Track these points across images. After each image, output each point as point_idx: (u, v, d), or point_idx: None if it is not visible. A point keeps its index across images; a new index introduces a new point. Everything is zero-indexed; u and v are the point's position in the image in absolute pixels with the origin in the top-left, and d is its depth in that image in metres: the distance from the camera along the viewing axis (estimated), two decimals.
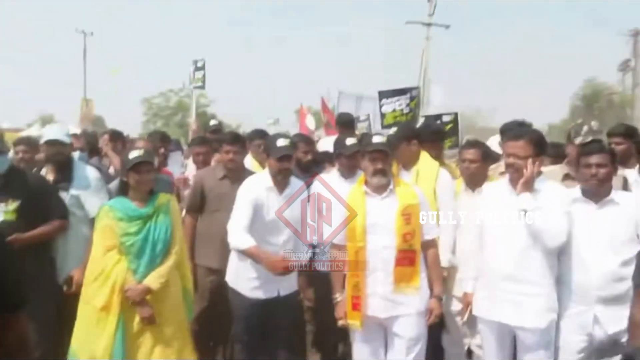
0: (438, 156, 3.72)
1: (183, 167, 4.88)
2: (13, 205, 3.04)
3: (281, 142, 3.13)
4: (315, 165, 3.97)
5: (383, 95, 5.48)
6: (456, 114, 5.44)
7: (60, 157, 3.45)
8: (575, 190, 2.89)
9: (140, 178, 2.90)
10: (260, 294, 3.12)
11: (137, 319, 2.87)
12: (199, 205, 3.61)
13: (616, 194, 2.81)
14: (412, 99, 5.36)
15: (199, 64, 8.27)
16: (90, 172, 3.52)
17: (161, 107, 36.30)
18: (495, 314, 2.83)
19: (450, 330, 3.42)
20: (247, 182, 3.24)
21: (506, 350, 2.91)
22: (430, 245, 2.97)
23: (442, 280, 3.04)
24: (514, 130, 2.91)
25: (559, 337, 2.82)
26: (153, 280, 2.89)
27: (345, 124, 5.24)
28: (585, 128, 3.34)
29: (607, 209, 2.76)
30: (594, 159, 2.77)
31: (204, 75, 8.32)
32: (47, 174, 3.48)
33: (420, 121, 5.43)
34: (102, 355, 2.78)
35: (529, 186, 2.71)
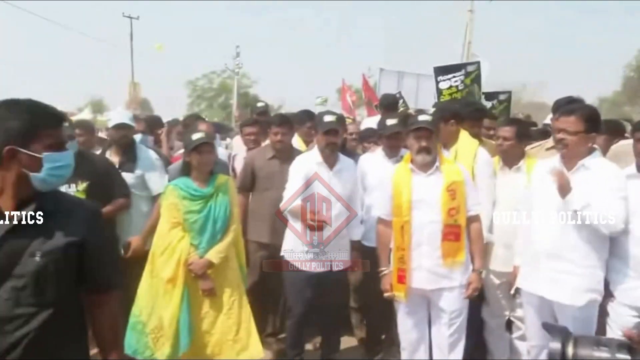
0: (477, 134, 3.75)
1: (228, 149, 5.01)
2: (82, 185, 3.30)
3: (328, 118, 3.32)
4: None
5: (439, 71, 5.39)
6: (510, 93, 5.40)
7: (125, 139, 3.75)
8: (631, 167, 2.85)
9: (202, 158, 3.10)
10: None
11: (200, 291, 3.12)
12: (250, 184, 3.82)
13: None
14: (467, 75, 5.29)
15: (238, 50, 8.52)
16: (152, 154, 3.83)
17: (205, 89, 37.05)
18: (536, 288, 2.90)
19: (490, 302, 3.52)
20: (298, 159, 3.41)
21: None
22: (473, 220, 3.05)
23: (483, 254, 3.12)
24: (566, 106, 2.87)
25: (612, 313, 2.83)
26: (214, 255, 3.12)
27: (389, 106, 5.29)
28: None
29: None
30: None
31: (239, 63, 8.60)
32: (112, 155, 3.77)
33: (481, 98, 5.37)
34: (169, 324, 3.04)
35: (565, 191, 2.68)
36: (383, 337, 3.98)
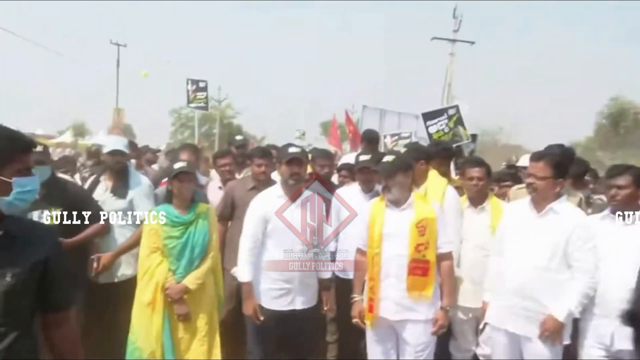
0: (445, 173, 3.92)
1: (206, 177, 5.03)
2: (55, 212, 3.22)
3: (292, 149, 3.32)
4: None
5: (426, 117, 5.77)
6: (476, 136, 5.64)
7: (120, 165, 3.77)
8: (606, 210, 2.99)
9: (182, 187, 3.22)
10: (275, 306, 3.25)
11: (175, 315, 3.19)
12: (229, 213, 3.90)
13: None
14: (449, 118, 5.62)
15: (201, 85, 8.41)
16: (143, 179, 3.88)
17: (189, 117, 37.11)
18: (505, 323, 2.99)
19: (457, 337, 3.61)
20: (258, 197, 3.39)
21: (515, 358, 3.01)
22: (445, 257, 3.10)
23: (452, 292, 3.17)
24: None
25: (582, 351, 2.94)
26: (191, 280, 3.20)
27: (370, 140, 5.43)
28: None
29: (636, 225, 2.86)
30: (616, 180, 2.90)
31: (206, 97, 8.52)
32: (106, 180, 3.79)
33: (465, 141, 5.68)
34: (155, 348, 3.13)
35: (558, 338, 2.87)
36: None
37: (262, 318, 3.18)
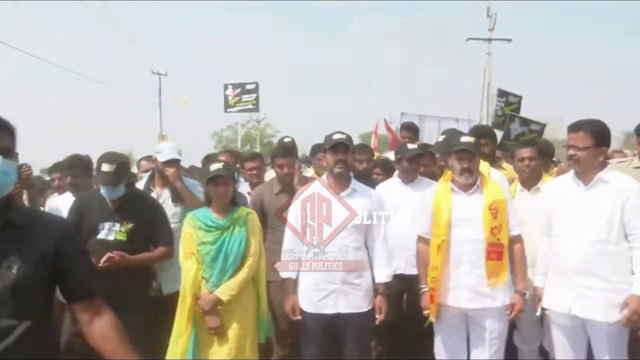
0: (489, 155, 3.75)
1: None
2: (126, 227, 3.17)
3: (337, 135, 3.08)
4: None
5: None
6: (544, 125, 5.45)
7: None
8: None
9: (217, 190, 3.04)
10: (319, 309, 3.03)
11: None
12: (261, 222, 3.44)
13: None
14: (507, 104, 5.50)
15: (249, 87, 8.08)
16: (196, 184, 3.64)
17: (230, 139, 38.02)
18: (565, 306, 2.83)
19: (521, 328, 3.41)
20: (301, 190, 3.21)
21: (578, 345, 2.88)
22: (516, 240, 3.00)
23: (526, 276, 3.04)
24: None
25: None
26: (223, 291, 2.98)
27: (409, 128, 5.33)
28: None
29: None
30: None
31: (257, 99, 7.93)
32: (157, 189, 3.64)
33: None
34: (181, 355, 2.97)
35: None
36: None
37: (299, 317, 3.02)
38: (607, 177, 2.78)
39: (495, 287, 2.90)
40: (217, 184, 3.04)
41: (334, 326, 3.04)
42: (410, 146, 3.65)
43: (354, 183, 3.14)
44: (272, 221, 3.56)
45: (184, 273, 3.05)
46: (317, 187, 3.13)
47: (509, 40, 23.90)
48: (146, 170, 4.87)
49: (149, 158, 4.37)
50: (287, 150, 3.85)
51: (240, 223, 3.08)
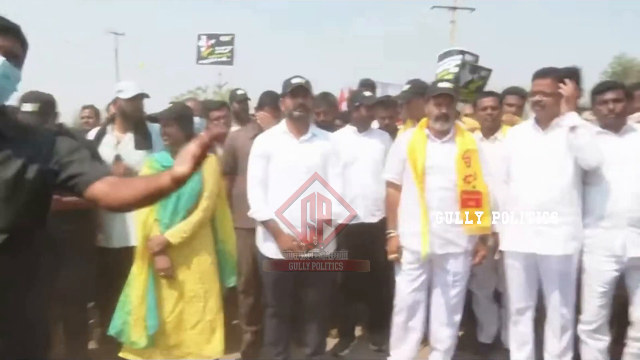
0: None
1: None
2: None
3: (296, 80, 3.01)
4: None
5: (440, 57, 5.50)
6: (490, 71, 5.29)
7: (139, 113, 3.36)
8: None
9: (164, 130, 3.00)
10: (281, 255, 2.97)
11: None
12: (233, 166, 3.51)
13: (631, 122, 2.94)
14: (464, 64, 5.33)
15: (224, 39, 7.09)
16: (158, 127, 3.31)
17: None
18: (523, 245, 2.95)
19: (477, 274, 3.46)
20: (260, 135, 3.15)
21: (531, 285, 3.02)
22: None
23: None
24: (541, 69, 2.97)
25: (589, 269, 2.93)
26: (174, 233, 2.90)
27: (367, 85, 5.23)
28: None
29: (628, 136, 2.89)
30: (610, 94, 2.88)
31: (231, 52, 7.11)
32: (115, 131, 3.36)
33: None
34: (139, 303, 2.90)
35: (571, 104, 2.82)
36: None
37: (303, 244, 2.91)
38: (563, 122, 2.88)
39: (478, 234, 2.98)
40: (164, 125, 2.99)
41: (297, 272, 3.02)
42: (367, 94, 3.58)
43: (313, 128, 3.10)
44: (243, 165, 3.42)
45: (142, 216, 2.96)
46: (280, 130, 3.07)
47: (472, 9, 24.18)
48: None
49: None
50: (276, 99, 3.58)
51: None
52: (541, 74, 2.91)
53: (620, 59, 29.53)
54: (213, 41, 7.12)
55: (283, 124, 3.09)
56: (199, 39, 7.17)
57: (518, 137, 3.08)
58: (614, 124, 2.90)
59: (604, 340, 2.97)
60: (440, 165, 2.97)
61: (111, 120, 3.48)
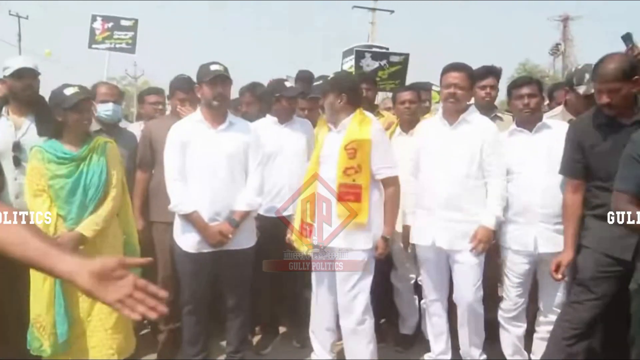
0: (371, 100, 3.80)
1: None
2: None
3: (214, 67, 2.89)
4: None
5: (345, 54, 5.45)
6: (407, 55, 5.09)
7: (31, 92, 3.00)
8: (512, 125, 3.08)
9: (80, 117, 2.71)
10: (204, 247, 2.90)
11: None
12: (150, 158, 3.33)
13: (547, 119, 3.02)
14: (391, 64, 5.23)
15: (125, 23, 6.28)
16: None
17: None
18: (429, 239, 3.00)
19: (397, 266, 3.56)
20: (175, 125, 2.98)
21: (443, 276, 3.10)
22: (389, 183, 2.93)
23: (394, 221, 3.00)
24: (453, 63, 3.04)
25: (508, 262, 3.03)
26: (86, 226, 2.68)
27: (305, 79, 5.22)
28: (587, 76, 3.04)
29: (541, 133, 2.97)
30: (525, 89, 2.95)
31: (133, 38, 6.31)
32: (12, 115, 3.02)
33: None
34: (47, 311, 2.65)
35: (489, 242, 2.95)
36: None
37: (230, 236, 2.85)
38: (469, 117, 2.97)
39: (351, 229, 2.85)
40: (81, 110, 2.71)
41: (214, 265, 2.96)
42: (288, 84, 3.51)
43: (231, 117, 3.02)
44: (161, 157, 3.22)
45: (33, 212, 2.64)
46: (195, 119, 2.96)
47: (392, 11, 24.90)
48: None
49: None
50: (191, 84, 3.42)
51: (98, 152, 2.78)
52: (455, 67, 2.97)
53: (525, 65, 31.86)
54: (111, 24, 6.11)
55: (198, 112, 2.97)
56: (94, 20, 6.23)
57: (426, 131, 3.14)
58: (528, 119, 2.98)
59: (522, 327, 3.10)
60: (328, 155, 2.93)
61: (4, 101, 3.07)
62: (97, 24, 6.13)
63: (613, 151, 2.49)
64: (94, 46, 6.29)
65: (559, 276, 2.71)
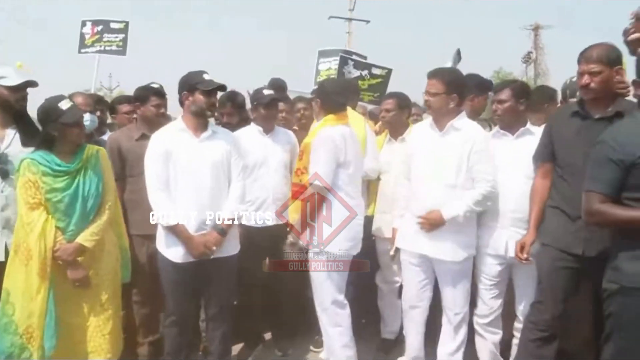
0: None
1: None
2: None
3: (208, 76, 2.87)
4: None
5: (320, 54, 5.44)
6: (390, 70, 5.15)
7: (24, 103, 2.93)
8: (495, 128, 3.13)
9: (80, 132, 2.73)
10: (189, 257, 2.84)
11: (68, 281, 2.69)
12: (120, 171, 3.25)
13: (530, 126, 3.03)
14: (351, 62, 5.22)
15: (115, 26, 6.21)
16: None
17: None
18: (417, 247, 3.01)
19: (382, 268, 3.59)
20: (157, 133, 2.94)
21: (425, 281, 3.08)
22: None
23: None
24: (431, 70, 3.02)
25: (479, 264, 3.06)
26: (86, 237, 2.71)
27: (278, 88, 5.22)
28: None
29: (523, 139, 2.99)
30: (496, 95, 3.02)
31: (124, 40, 6.29)
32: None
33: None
34: (39, 321, 2.63)
35: (440, 224, 2.92)
36: None
37: (214, 248, 2.81)
38: (458, 124, 2.93)
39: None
40: (77, 125, 2.72)
41: (200, 274, 2.91)
42: (266, 92, 3.53)
43: (213, 125, 3.02)
44: (131, 169, 3.27)
45: (29, 226, 2.63)
46: (177, 127, 2.90)
47: (368, 21, 25.16)
48: None
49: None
50: (161, 92, 3.46)
51: (92, 162, 2.78)
52: (429, 75, 2.99)
53: (499, 72, 32.46)
54: (100, 27, 6.14)
55: (180, 121, 2.93)
56: (83, 25, 6.25)
57: (418, 137, 3.14)
58: (505, 123, 3.02)
59: (498, 334, 3.10)
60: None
61: None
62: (87, 29, 6.10)
63: (575, 140, 2.55)
64: (83, 50, 6.27)
65: (524, 256, 2.75)
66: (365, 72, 5.06)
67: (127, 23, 6.31)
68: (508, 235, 2.92)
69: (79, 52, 6.27)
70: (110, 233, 2.90)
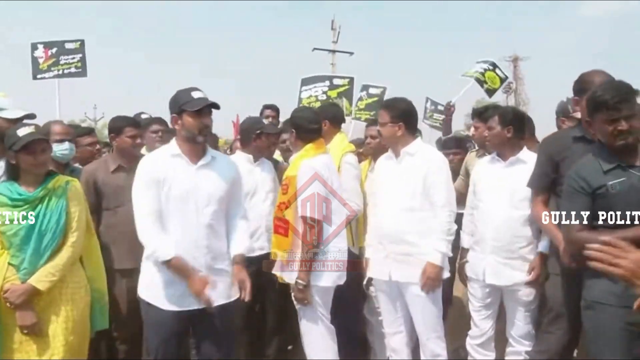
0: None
1: None
2: None
3: (198, 94, 2.52)
4: None
5: (303, 82, 5.41)
6: (384, 89, 5.25)
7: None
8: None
9: (36, 159, 2.48)
10: (183, 304, 2.50)
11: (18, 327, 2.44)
12: (95, 204, 3.09)
13: (524, 154, 3.02)
14: (332, 87, 5.22)
15: (70, 46, 5.75)
16: None
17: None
18: (385, 273, 3.00)
19: (369, 299, 3.50)
20: (145, 159, 2.66)
21: (398, 309, 3.05)
22: None
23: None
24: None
25: (470, 288, 3.11)
26: (40, 278, 2.44)
27: (272, 107, 5.20)
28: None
29: (513, 167, 2.99)
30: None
31: (82, 60, 5.77)
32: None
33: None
34: None
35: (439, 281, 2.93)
36: None
37: (214, 279, 2.50)
38: (411, 149, 2.97)
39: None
40: (35, 151, 2.49)
41: (195, 322, 2.62)
42: (267, 121, 3.59)
43: (211, 150, 2.69)
44: (108, 202, 3.15)
45: None
46: (170, 152, 2.59)
47: (351, 53, 25.56)
48: None
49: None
50: (136, 121, 3.46)
51: (57, 193, 2.52)
52: (381, 107, 3.18)
53: (481, 102, 33.10)
54: (54, 50, 5.62)
55: (173, 145, 2.60)
56: (34, 48, 5.69)
57: (380, 166, 3.19)
58: (498, 150, 3.08)
59: (490, 356, 3.08)
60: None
61: None
62: (39, 52, 5.66)
63: None
64: (39, 76, 5.75)
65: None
66: (364, 93, 5.16)
67: (82, 41, 5.87)
68: (486, 262, 2.96)
69: (34, 78, 5.76)
70: (77, 274, 2.62)
